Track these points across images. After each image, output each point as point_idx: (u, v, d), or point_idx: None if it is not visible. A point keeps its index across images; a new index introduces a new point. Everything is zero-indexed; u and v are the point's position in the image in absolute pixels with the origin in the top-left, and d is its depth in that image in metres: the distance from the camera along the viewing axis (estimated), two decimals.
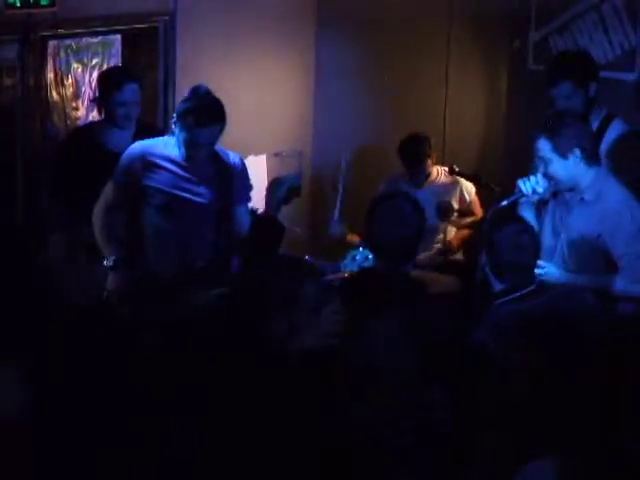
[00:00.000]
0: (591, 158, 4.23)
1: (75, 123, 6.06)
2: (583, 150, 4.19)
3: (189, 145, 4.54)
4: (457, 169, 5.90)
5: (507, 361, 3.38)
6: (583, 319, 3.74)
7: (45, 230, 5.40)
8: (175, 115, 4.57)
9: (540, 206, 4.47)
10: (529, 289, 3.77)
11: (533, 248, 3.83)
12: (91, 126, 5.42)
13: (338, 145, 6.65)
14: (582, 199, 4.26)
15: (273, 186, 4.28)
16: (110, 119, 5.10)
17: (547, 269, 4.19)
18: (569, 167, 4.20)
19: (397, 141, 6.09)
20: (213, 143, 4.59)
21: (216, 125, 4.54)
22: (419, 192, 5.83)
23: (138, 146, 4.73)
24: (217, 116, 4.54)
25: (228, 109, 4.74)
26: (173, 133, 4.63)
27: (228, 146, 4.87)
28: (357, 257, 5.32)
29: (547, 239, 4.38)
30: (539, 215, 4.47)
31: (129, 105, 5.04)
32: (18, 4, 5.50)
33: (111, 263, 4.72)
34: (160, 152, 4.67)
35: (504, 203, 4.34)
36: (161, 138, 4.79)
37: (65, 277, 4.90)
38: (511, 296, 3.76)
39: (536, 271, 4.05)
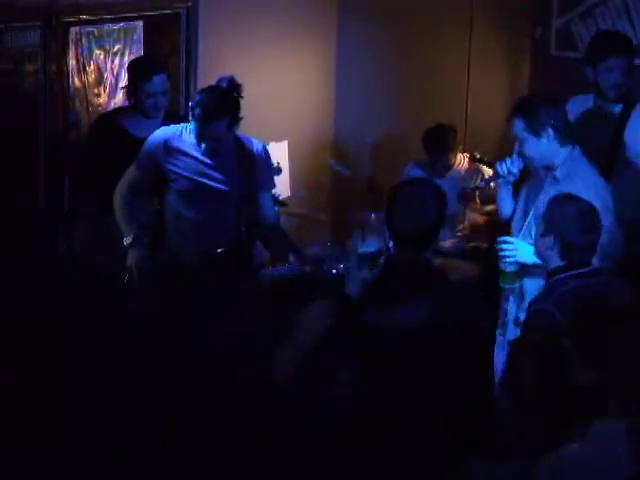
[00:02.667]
0: (564, 137, 4.32)
1: (97, 110, 6.06)
2: (556, 130, 4.29)
3: (199, 136, 4.60)
4: (479, 156, 5.90)
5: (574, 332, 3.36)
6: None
7: (67, 215, 5.43)
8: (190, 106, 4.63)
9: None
10: (589, 268, 3.79)
11: (599, 228, 3.84)
12: (117, 112, 5.45)
13: (360, 130, 6.65)
14: (554, 177, 4.33)
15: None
16: (138, 107, 5.15)
17: (517, 244, 4.25)
18: (542, 146, 4.30)
19: (419, 127, 6.07)
20: (220, 136, 4.60)
21: (219, 120, 4.56)
22: (441, 179, 5.83)
23: (161, 132, 4.75)
24: (221, 111, 4.56)
25: (250, 95, 4.74)
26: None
27: (249, 132, 4.88)
28: None
29: (517, 218, 4.50)
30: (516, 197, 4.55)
31: (158, 95, 5.11)
32: None
33: (130, 240, 4.76)
34: (183, 139, 4.69)
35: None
36: (184, 125, 4.81)
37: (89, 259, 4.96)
38: (570, 272, 3.76)
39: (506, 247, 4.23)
